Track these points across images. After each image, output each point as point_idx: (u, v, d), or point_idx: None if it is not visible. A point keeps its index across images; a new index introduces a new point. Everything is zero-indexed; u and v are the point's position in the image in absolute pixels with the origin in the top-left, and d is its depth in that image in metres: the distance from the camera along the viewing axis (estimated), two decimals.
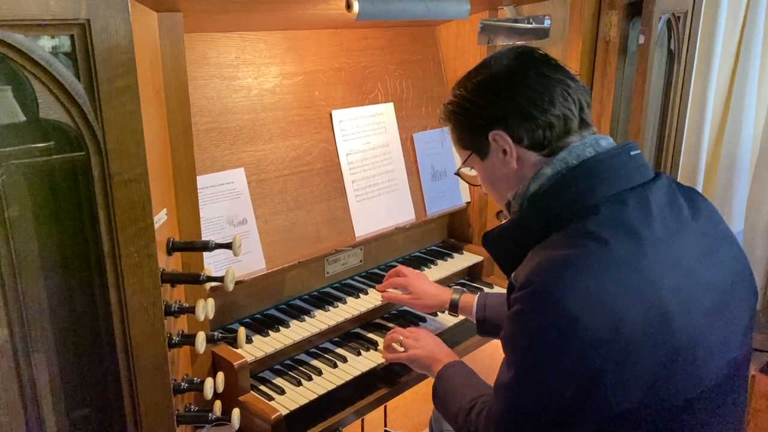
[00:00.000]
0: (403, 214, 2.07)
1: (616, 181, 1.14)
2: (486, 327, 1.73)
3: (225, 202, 1.63)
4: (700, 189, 3.06)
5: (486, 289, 1.95)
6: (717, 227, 1.22)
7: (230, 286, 1.32)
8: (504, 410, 1.16)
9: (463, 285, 2.13)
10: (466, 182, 1.47)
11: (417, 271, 1.96)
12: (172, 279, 1.31)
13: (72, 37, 0.89)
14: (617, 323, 1.02)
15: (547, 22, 2.05)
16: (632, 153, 1.19)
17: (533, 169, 1.21)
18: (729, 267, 1.18)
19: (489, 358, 2.03)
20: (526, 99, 1.18)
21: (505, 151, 1.23)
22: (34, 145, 0.99)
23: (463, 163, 1.34)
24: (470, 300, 1.77)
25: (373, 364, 1.70)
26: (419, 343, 1.64)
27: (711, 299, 1.12)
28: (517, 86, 1.20)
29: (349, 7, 1.46)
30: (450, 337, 1.86)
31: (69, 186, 1.01)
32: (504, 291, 1.85)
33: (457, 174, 1.46)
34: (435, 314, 1.96)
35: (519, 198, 1.23)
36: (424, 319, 1.94)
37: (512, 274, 1.17)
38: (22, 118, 0.97)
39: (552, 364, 1.06)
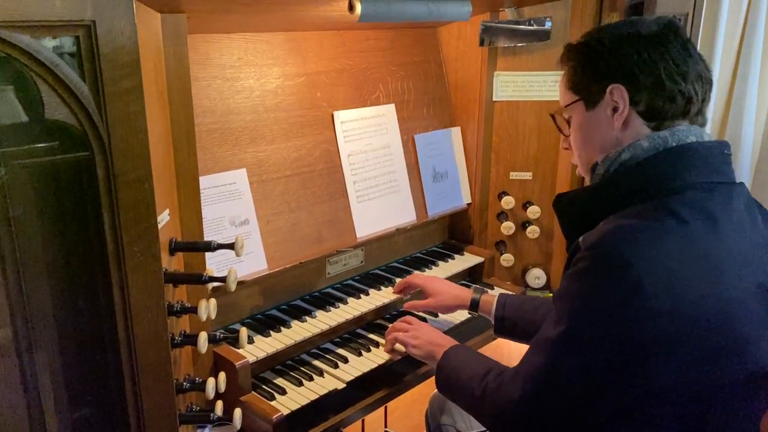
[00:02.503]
0: (404, 215, 2.07)
1: (707, 172, 1.15)
2: (504, 326, 1.75)
3: (227, 202, 1.64)
4: None
5: (488, 291, 1.95)
6: None
7: (232, 287, 1.33)
8: (544, 364, 1.16)
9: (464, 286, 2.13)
10: (557, 126, 1.41)
11: (435, 276, 1.96)
12: (175, 279, 1.32)
13: (77, 38, 0.90)
14: (679, 300, 1.04)
15: (548, 24, 2.06)
16: (726, 152, 1.21)
17: (633, 137, 1.21)
18: None
19: (497, 352, 2.03)
20: (665, 65, 1.18)
21: (615, 109, 1.22)
22: (38, 145, 0.99)
23: (566, 106, 1.32)
24: (490, 299, 1.79)
25: (374, 365, 1.71)
26: (419, 333, 1.66)
27: (763, 304, 1.14)
28: (660, 50, 1.19)
29: (351, 8, 1.47)
30: (456, 335, 1.86)
31: (73, 186, 1.02)
32: (510, 293, 1.88)
33: (552, 116, 1.41)
34: (435, 315, 1.97)
35: (608, 162, 1.24)
36: (424, 320, 1.94)
37: (580, 238, 1.17)
38: (27, 118, 0.97)
39: (606, 325, 1.07)
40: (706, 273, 1.08)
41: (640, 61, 1.19)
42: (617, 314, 1.06)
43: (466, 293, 1.83)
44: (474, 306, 1.81)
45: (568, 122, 1.35)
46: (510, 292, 2.01)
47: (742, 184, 1.21)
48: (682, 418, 1.10)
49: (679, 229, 1.09)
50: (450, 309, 1.87)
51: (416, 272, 1.96)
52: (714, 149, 1.18)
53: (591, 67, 1.25)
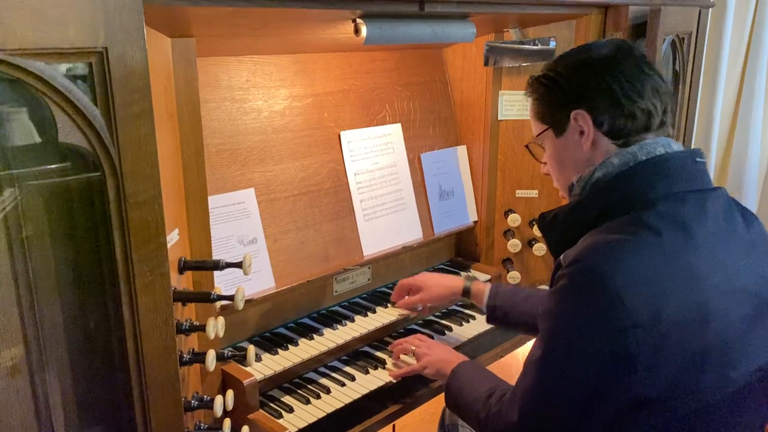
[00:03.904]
0: (411, 233, 2.09)
1: (678, 182, 1.19)
2: (496, 314, 1.78)
3: (235, 221, 1.66)
4: None
5: (479, 279, 1.96)
6: (765, 243, 1.25)
7: (240, 305, 1.34)
8: (533, 386, 1.18)
9: (472, 305, 2.13)
10: (533, 156, 1.49)
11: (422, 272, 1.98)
12: (184, 298, 1.34)
13: (90, 64, 0.93)
14: (658, 309, 1.06)
15: (552, 44, 2.08)
16: (697, 159, 1.24)
17: (603, 156, 1.25)
18: None
19: (505, 369, 2.03)
20: (619, 85, 1.23)
21: (582, 132, 1.27)
22: (51, 166, 1.02)
23: (537, 136, 1.37)
24: (482, 287, 1.81)
25: (381, 383, 1.71)
26: (431, 350, 1.69)
27: (750, 307, 1.16)
28: (613, 71, 1.24)
29: (357, 32, 1.50)
30: (465, 351, 1.86)
31: (84, 206, 1.04)
32: (502, 283, 1.89)
33: (527, 147, 1.49)
34: (443, 333, 1.97)
35: (582, 182, 1.28)
36: (432, 337, 1.95)
37: (561, 255, 1.20)
38: (39, 139, 1.00)
39: (589, 340, 1.09)
40: (683, 282, 1.10)
41: (596, 84, 1.24)
42: (599, 329, 1.08)
43: (457, 282, 1.85)
44: (466, 293, 1.84)
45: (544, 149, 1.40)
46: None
47: (719, 189, 1.23)
48: (674, 425, 1.11)
49: (653, 240, 1.11)
50: (444, 299, 1.89)
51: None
52: (684, 158, 1.22)
53: (552, 97, 1.31)
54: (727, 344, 1.11)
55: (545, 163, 1.41)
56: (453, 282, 1.85)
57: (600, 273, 1.08)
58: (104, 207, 1.01)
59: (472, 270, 2.26)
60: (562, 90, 1.28)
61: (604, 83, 1.23)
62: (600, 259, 1.10)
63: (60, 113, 0.93)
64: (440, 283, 1.86)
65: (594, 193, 1.24)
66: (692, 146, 2.46)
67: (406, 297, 1.91)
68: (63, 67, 0.92)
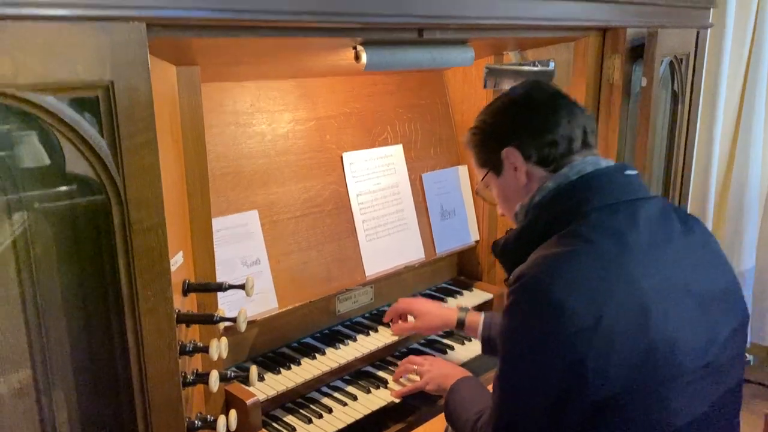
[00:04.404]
0: (413, 252, 2.11)
1: (609, 194, 1.27)
2: (491, 346, 1.80)
3: (239, 243, 1.69)
4: (709, 227, 3.07)
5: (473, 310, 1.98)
6: (707, 246, 1.32)
7: (243, 327, 1.37)
8: (498, 404, 1.25)
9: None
10: (484, 200, 1.60)
11: (418, 297, 2.00)
12: (187, 320, 1.37)
13: (97, 96, 0.96)
14: (600, 312, 1.11)
15: (551, 65, 2.12)
16: (627, 172, 1.33)
17: (540, 183, 1.35)
18: (713, 281, 1.27)
19: None
20: (535, 120, 1.36)
21: (516, 168, 1.37)
22: (58, 189, 1.05)
23: (481, 179, 1.48)
24: (476, 318, 1.83)
25: (383, 403, 1.73)
26: (432, 366, 1.73)
27: (693, 306, 1.21)
28: (528, 109, 1.38)
29: (357, 58, 1.53)
30: (469, 369, 1.88)
31: (91, 229, 1.07)
32: (496, 313, 1.90)
33: (476, 192, 1.58)
34: (445, 352, 1.99)
35: (524, 208, 1.37)
36: (434, 356, 1.96)
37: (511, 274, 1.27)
38: (47, 161, 1.04)
39: (539, 350, 1.15)
40: (620, 286, 1.15)
41: (516, 123, 1.37)
42: (547, 339, 1.13)
43: (451, 314, 1.88)
44: (460, 325, 1.85)
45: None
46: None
47: (655, 197, 1.31)
48: (638, 423, 1.15)
49: (588, 248, 1.19)
50: (436, 329, 1.94)
51: (401, 298, 2.00)
52: (613, 172, 1.31)
53: (485, 143, 1.43)
54: (675, 342, 1.16)
55: (495, 204, 1.51)
56: (447, 314, 1.89)
57: (540, 285, 1.15)
58: (110, 231, 1.04)
59: (474, 288, 2.28)
60: (491, 135, 1.41)
61: (523, 120, 1.37)
62: (539, 273, 1.17)
63: (67, 144, 0.97)
64: (434, 314, 1.89)
65: (535, 214, 1.33)
66: (693, 165, 2.48)
67: (400, 322, 1.93)
68: (70, 99, 0.95)
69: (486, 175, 1.45)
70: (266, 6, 1.19)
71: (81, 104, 0.96)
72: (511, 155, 1.36)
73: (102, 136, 0.98)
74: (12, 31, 0.87)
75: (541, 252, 1.23)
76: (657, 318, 1.15)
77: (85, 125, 0.96)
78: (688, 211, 2.60)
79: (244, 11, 1.16)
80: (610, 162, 1.36)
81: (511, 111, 1.40)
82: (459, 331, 1.88)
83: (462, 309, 1.89)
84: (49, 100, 0.92)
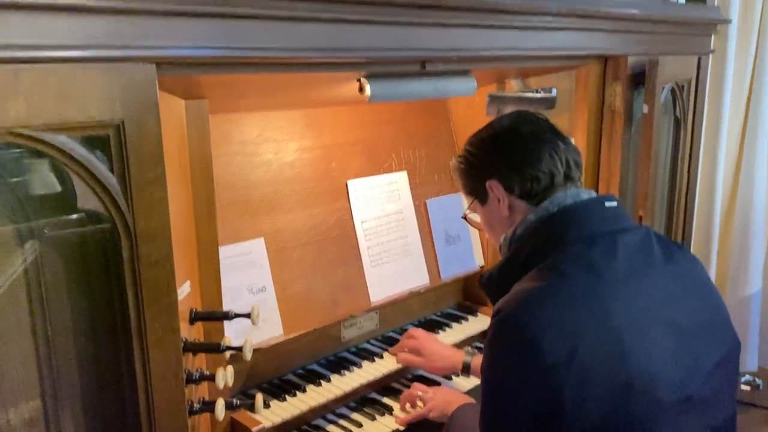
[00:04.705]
0: (418, 278, 2.13)
1: (587, 226, 1.29)
2: None
3: (245, 271, 1.72)
4: (714, 253, 3.07)
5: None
6: (691, 275, 1.33)
7: (248, 356, 1.39)
8: None
9: (479, 348, 2.16)
10: (471, 225, 1.63)
11: (429, 334, 2.01)
12: (194, 348, 1.38)
13: (108, 135, 1.00)
14: (574, 347, 1.12)
15: (553, 92, 2.14)
16: (607, 204, 1.34)
17: (522, 215, 1.38)
18: (697, 312, 1.27)
19: None
20: (518, 155, 1.37)
21: (499, 200, 1.40)
22: (69, 217, 1.08)
23: (468, 206, 1.53)
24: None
25: (388, 431, 1.73)
26: (436, 393, 1.74)
27: (671, 339, 1.21)
28: (511, 143, 1.40)
29: (361, 90, 1.57)
30: (476, 396, 1.88)
31: (100, 259, 1.10)
32: None
33: (464, 218, 1.63)
34: (450, 378, 1.99)
35: (507, 240, 1.40)
36: (439, 383, 1.97)
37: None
38: (58, 189, 1.07)
39: (516, 385, 1.16)
40: (595, 320, 1.16)
41: (498, 157, 1.40)
42: (523, 373, 1.15)
43: (458, 357, 1.89)
44: (466, 370, 1.86)
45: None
46: None
47: (636, 228, 1.32)
48: None
49: (563, 283, 1.20)
50: (442, 371, 1.94)
51: (411, 329, 2.01)
52: (592, 204, 1.33)
53: (470, 173, 1.47)
54: (652, 375, 1.16)
55: (482, 230, 1.54)
56: (455, 358, 1.90)
57: (516, 321, 1.17)
58: (119, 263, 1.07)
59: (479, 313, 2.29)
60: (474, 166, 1.45)
61: (504, 155, 1.39)
62: (515, 309, 1.19)
63: (79, 181, 1.00)
64: (441, 355, 1.91)
65: (517, 246, 1.35)
66: (697, 190, 2.49)
67: (406, 351, 1.94)
68: (82, 137, 0.99)
69: (472, 202, 1.49)
70: (272, 43, 1.22)
71: (92, 142, 1.00)
72: (495, 187, 1.39)
73: (112, 173, 1.01)
74: (28, 74, 0.90)
75: (519, 286, 1.25)
76: (632, 352, 1.15)
77: (96, 163, 0.99)
78: (693, 235, 2.63)
79: (251, 49, 1.19)
80: (591, 193, 1.38)
81: (495, 144, 1.42)
82: (465, 375, 1.89)
83: (468, 352, 1.90)
84: (62, 140, 0.96)
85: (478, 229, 1.61)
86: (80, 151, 0.98)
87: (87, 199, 1.02)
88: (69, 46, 0.95)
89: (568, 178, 1.38)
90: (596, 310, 1.17)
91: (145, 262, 1.06)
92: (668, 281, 1.27)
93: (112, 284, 1.10)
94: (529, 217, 1.35)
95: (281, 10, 1.21)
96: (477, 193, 1.46)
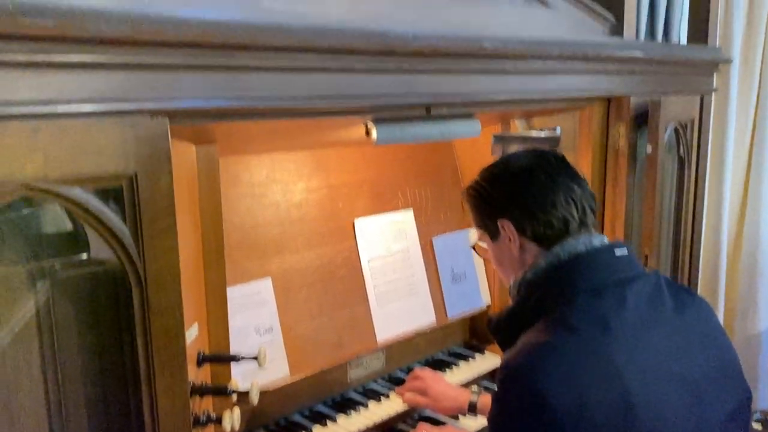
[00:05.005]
0: (424, 317, 2.13)
1: (597, 276, 1.27)
2: None
3: (252, 311, 1.73)
4: (722, 290, 3.06)
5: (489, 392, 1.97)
6: (702, 324, 1.31)
7: (255, 400, 1.39)
8: None
9: (486, 388, 2.14)
10: (479, 255, 1.62)
11: (435, 373, 2.00)
12: (201, 391, 1.39)
13: (121, 187, 1.02)
14: (582, 404, 1.12)
15: (557, 131, 2.17)
16: (617, 252, 1.32)
17: (533, 258, 1.36)
18: (709, 364, 1.25)
19: None
20: (532, 198, 1.35)
21: (510, 239, 1.38)
22: (79, 257, 1.10)
23: (478, 241, 1.51)
24: (488, 400, 1.81)
25: None
26: None
27: (681, 392, 1.20)
28: (526, 185, 1.37)
29: (368, 134, 1.60)
30: None
31: (111, 304, 1.11)
32: None
33: (473, 248, 1.61)
34: (456, 417, 1.98)
35: (517, 284, 1.38)
36: (445, 423, 1.96)
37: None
38: (69, 227, 1.09)
39: None
40: (602, 375, 1.15)
41: (511, 198, 1.37)
42: (531, 429, 1.14)
43: (464, 396, 1.88)
44: (472, 409, 1.86)
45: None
46: None
47: (646, 275, 1.30)
48: None
49: (571, 338, 1.19)
50: (449, 412, 1.92)
51: (417, 369, 2.01)
52: (602, 252, 1.31)
53: (481, 208, 1.45)
54: (662, 430, 1.15)
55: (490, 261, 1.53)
56: (460, 396, 1.89)
57: (523, 375, 1.17)
58: (129, 307, 1.09)
59: (486, 352, 2.28)
60: (487, 201, 1.42)
61: (519, 197, 1.36)
62: (523, 362, 1.19)
63: (92, 231, 1.02)
64: (447, 395, 1.90)
65: (526, 293, 1.34)
66: (703, 228, 2.50)
67: (412, 391, 1.94)
68: (96, 189, 1.01)
69: (482, 236, 1.48)
70: (281, 93, 1.26)
71: (106, 194, 1.02)
72: (507, 227, 1.38)
73: (125, 223, 1.04)
74: (46, 130, 0.94)
75: (527, 338, 1.24)
76: (641, 407, 1.14)
77: (109, 214, 1.02)
78: (699, 273, 2.62)
79: (261, 99, 1.23)
80: (603, 240, 1.36)
81: (510, 184, 1.39)
82: (472, 414, 1.87)
83: (475, 391, 1.89)
84: (77, 192, 0.98)
85: (486, 260, 1.60)
86: (94, 203, 1.00)
87: (100, 251, 1.04)
88: (84, 101, 0.98)
89: (582, 224, 1.36)
90: (605, 365, 1.16)
91: (155, 310, 1.08)
92: (679, 333, 1.25)
93: (122, 329, 1.12)
94: (540, 263, 1.34)
95: (291, 61, 1.25)
96: (488, 229, 1.44)
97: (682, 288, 1.38)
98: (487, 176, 1.45)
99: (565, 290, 1.26)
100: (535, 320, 1.27)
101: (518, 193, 1.37)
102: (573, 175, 1.40)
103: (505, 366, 1.22)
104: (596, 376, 1.15)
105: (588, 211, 1.37)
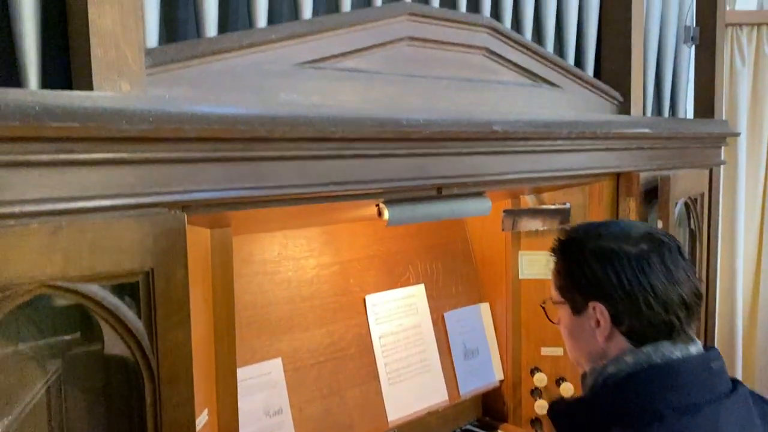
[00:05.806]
0: (436, 395, 2.09)
1: (690, 393, 1.12)
2: None
3: (262, 392, 1.70)
4: (739, 359, 3.00)
5: None
6: None
7: None
8: None
9: None
10: (546, 315, 1.42)
11: None
12: None
13: (137, 282, 1.03)
14: None
15: (567, 206, 2.18)
16: (713, 365, 1.17)
17: (617, 351, 1.19)
18: None
19: None
20: (644, 294, 1.16)
21: (599, 324, 1.20)
22: (91, 347, 1.10)
23: (554, 303, 1.31)
24: None
25: None
26: None
27: None
28: (639, 276, 1.16)
29: (380, 214, 1.61)
30: None
31: (120, 385, 1.10)
32: None
33: (542, 305, 1.42)
34: None
35: (595, 374, 1.22)
36: None
37: None
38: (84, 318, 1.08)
39: None
40: None
41: (620, 287, 1.17)
42: None
43: None
44: None
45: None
46: None
47: (736, 389, 1.17)
48: None
49: None
50: None
51: None
52: (698, 365, 1.16)
53: (573, 278, 1.24)
54: None
55: (556, 323, 1.35)
56: None
57: None
58: (141, 402, 1.08)
59: (500, 430, 2.23)
60: (585, 276, 1.21)
61: (631, 287, 1.16)
62: None
63: (107, 327, 1.02)
64: None
65: (604, 391, 1.19)
66: (717, 298, 2.47)
67: None
68: (113, 285, 1.02)
69: (562, 303, 1.28)
70: (296, 181, 1.28)
71: (122, 289, 1.03)
72: (600, 312, 1.19)
73: (139, 317, 1.04)
74: (66, 230, 0.95)
75: None
76: None
77: (125, 309, 1.02)
78: (716, 342, 2.57)
79: (276, 187, 1.26)
80: (699, 346, 1.20)
81: (617, 266, 1.18)
82: None
83: None
84: (94, 289, 0.99)
85: (553, 323, 1.39)
86: (110, 300, 1.01)
87: (114, 347, 1.04)
88: (105, 196, 1.00)
89: (685, 327, 1.18)
90: None
91: (167, 405, 1.07)
92: None
93: (133, 421, 1.10)
94: (626, 358, 1.17)
95: (306, 150, 1.28)
96: (572, 300, 1.25)
97: (764, 400, 1.24)
98: (593, 249, 1.21)
99: (652, 403, 1.11)
100: (607, 420, 1.12)
101: (628, 283, 1.16)
102: (687, 266, 1.21)
103: None
104: None
105: (694, 311, 1.20)
